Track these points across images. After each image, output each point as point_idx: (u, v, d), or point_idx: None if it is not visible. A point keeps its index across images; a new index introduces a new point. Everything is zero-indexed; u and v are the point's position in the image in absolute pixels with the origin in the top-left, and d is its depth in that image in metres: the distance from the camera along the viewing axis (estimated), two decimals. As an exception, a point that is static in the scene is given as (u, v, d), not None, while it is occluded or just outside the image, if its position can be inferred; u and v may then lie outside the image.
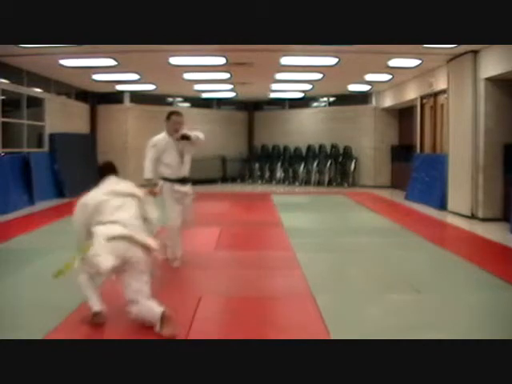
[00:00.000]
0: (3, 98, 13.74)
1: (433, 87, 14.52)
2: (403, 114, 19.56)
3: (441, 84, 13.84)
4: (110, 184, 5.13)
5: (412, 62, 13.19)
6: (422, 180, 14.78)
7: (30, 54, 12.10)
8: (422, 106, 16.01)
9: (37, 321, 4.99)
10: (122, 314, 4.74)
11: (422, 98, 15.91)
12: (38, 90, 16.12)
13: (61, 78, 16.57)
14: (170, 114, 7.12)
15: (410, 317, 5.19)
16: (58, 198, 15.45)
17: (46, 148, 16.34)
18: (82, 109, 19.50)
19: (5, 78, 13.91)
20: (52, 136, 16.46)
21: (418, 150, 16.24)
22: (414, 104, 16.66)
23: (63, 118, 17.48)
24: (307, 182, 21.49)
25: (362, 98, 20.78)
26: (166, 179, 7.03)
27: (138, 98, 20.41)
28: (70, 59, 12.97)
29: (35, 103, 15.93)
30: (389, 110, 20.05)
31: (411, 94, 16.57)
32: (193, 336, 4.54)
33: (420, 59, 12.77)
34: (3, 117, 13.70)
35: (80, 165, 17.35)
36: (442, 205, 13.00)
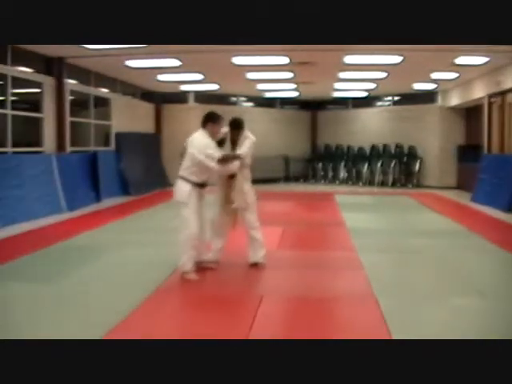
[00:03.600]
0: (72, 98, 14.11)
1: (501, 86, 14.15)
2: (470, 113, 19.13)
3: (509, 82, 13.47)
4: None
5: (479, 60, 12.87)
6: (489, 181, 14.41)
7: (98, 55, 12.39)
8: (490, 104, 15.61)
9: (99, 317, 5.08)
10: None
11: (489, 96, 15.53)
12: (105, 90, 16.49)
13: (126, 78, 16.93)
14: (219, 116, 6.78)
15: (474, 321, 5.08)
16: (123, 196, 15.76)
17: (112, 147, 16.70)
18: (147, 108, 19.84)
19: (73, 79, 14.27)
20: (118, 135, 16.81)
21: (486, 151, 15.85)
22: (482, 103, 16.27)
23: (129, 117, 17.83)
24: (371, 183, 21.29)
25: (428, 97, 20.40)
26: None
27: (202, 97, 20.61)
28: (136, 60, 13.21)
29: (102, 103, 16.31)
30: (455, 109, 19.64)
31: (478, 92, 16.19)
32: (254, 335, 4.56)
33: (488, 56, 12.46)
34: (72, 116, 14.06)
35: (145, 163, 17.68)
36: (510, 207, 12.65)
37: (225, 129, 6.90)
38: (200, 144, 6.43)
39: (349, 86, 18.63)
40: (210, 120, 6.58)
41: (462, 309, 5.42)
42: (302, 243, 9.02)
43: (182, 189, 6.50)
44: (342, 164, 22.40)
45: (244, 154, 6.74)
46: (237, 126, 6.88)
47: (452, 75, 15.54)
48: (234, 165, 6.60)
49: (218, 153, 6.46)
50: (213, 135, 6.58)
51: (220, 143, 6.79)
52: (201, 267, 6.79)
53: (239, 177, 6.82)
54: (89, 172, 14.21)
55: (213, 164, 6.37)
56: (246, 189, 6.92)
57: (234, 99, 22.07)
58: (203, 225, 6.74)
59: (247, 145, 6.79)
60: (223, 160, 6.48)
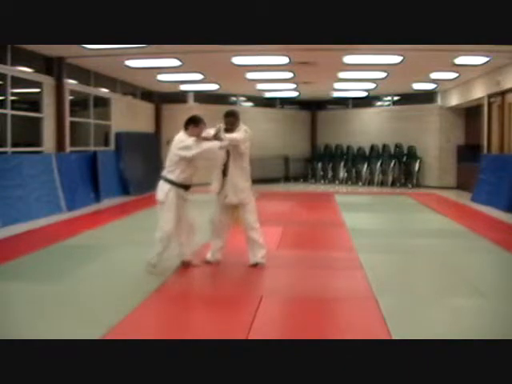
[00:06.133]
0: (71, 98, 14.10)
1: (501, 85, 14.14)
2: (470, 113, 19.11)
3: (509, 82, 13.46)
4: None
5: (479, 60, 12.86)
6: (489, 181, 14.40)
7: (98, 55, 12.38)
8: (490, 104, 15.60)
9: (99, 317, 5.07)
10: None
11: (489, 96, 15.52)
12: (105, 90, 16.48)
13: (126, 78, 16.92)
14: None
15: (474, 321, 5.08)
16: (123, 196, 15.75)
17: (111, 146, 16.69)
18: (146, 108, 19.83)
19: (73, 79, 14.26)
20: (118, 135, 16.81)
21: (486, 151, 15.84)
22: (481, 103, 16.26)
23: (129, 117, 17.82)
24: (370, 183, 21.29)
25: (427, 97, 20.39)
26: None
27: (202, 97, 20.62)
28: (136, 60, 13.21)
29: (102, 103, 16.31)
30: (455, 109, 19.62)
31: (478, 92, 16.18)
32: (253, 336, 4.55)
33: (487, 56, 12.45)
34: (71, 116, 14.06)
35: (144, 163, 17.66)
36: (510, 207, 12.64)
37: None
38: (176, 141, 6.68)
39: (348, 86, 18.61)
40: (191, 123, 6.75)
41: (462, 309, 5.42)
42: (302, 243, 9.01)
43: (161, 188, 6.67)
44: (342, 164, 22.40)
45: (235, 138, 6.72)
46: (228, 114, 6.99)
47: (452, 75, 15.53)
48: (214, 144, 6.60)
49: (194, 143, 6.57)
50: (193, 136, 6.70)
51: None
52: (187, 266, 6.94)
53: (232, 169, 6.84)
54: (88, 172, 14.19)
55: (190, 152, 6.52)
56: (243, 185, 6.91)
57: (233, 99, 22.06)
58: (183, 226, 6.79)
59: (240, 132, 6.84)
60: (203, 139, 6.62)
